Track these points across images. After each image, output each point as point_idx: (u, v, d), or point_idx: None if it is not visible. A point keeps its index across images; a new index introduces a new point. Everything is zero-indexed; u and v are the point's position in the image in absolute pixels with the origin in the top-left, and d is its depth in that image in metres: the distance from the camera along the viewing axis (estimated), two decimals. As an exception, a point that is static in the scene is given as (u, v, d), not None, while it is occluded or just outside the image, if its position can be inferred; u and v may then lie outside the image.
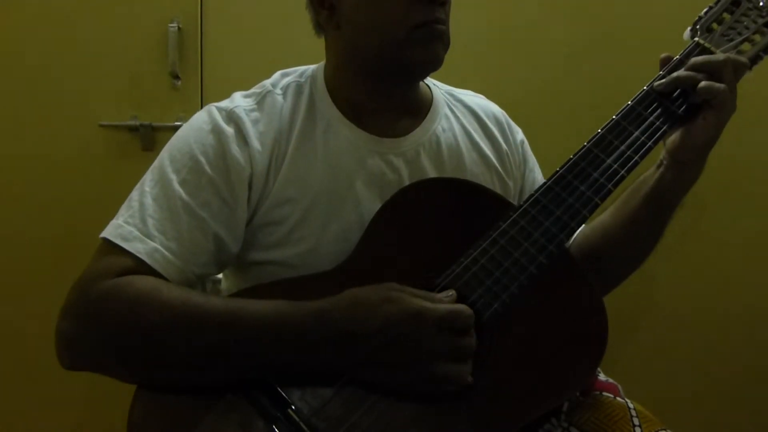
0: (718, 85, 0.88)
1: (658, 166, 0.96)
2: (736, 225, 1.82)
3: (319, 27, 1.02)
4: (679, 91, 0.91)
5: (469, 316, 0.79)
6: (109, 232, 0.88)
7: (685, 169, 0.94)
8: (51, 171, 1.76)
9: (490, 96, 1.17)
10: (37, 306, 1.72)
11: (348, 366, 0.79)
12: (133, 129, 1.77)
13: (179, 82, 1.77)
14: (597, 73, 1.78)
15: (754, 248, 1.83)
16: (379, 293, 0.79)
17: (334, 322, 0.78)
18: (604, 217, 1.05)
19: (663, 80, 0.92)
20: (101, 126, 1.77)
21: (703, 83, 0.88)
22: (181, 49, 1.76)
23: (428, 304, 0.78)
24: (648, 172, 0.98)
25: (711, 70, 0.89)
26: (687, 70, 0.91)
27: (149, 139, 1.77)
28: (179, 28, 1.75)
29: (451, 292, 0.82)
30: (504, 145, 1.10)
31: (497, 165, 1.07)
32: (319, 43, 1.04)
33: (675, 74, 0.91)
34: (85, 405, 1.81)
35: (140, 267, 0.85)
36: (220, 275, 1.11)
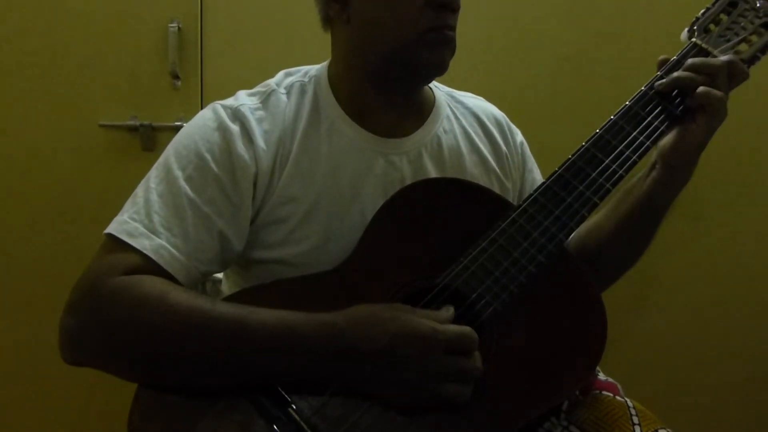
0: (715, 92, 0.88)
1: (651, 168, 0.97)
2: (735, 224, 1.82)
3: (328, 21, 1.02)
4: (677, 92, 0.92)
5: (474, 339, 0.79)
6: (114, 228, 0.87)
7: (675, 173, 0.95)
8: (51, 171, 1.76)
9: (489, 96, 1.18)
10: (36, 306, 1.73)
11: (353, 382, 0.79)
12: (133, 129, 1.77)
13: (179, 82, 1.77)
14: (596, 74, 1.78)
15: (753, 247, 1.83)
16: (389, 312, 0.79)
17: (343, 338, 0.78)
18: (598, 217, 1.05)
19: (663, 80, 0.92)
20: (101, 126, 1.76)
21: (702, 88, 0.89)
22: (181, 49, 1.75)
23: (438, 326, 0.78)
24: (641, 173, 0.98)
25: (708, 72, 0.90)
26: (685, 70, 0.91)
27: (149, 139, 1.77)
28: (179, 28, 1.75)
29: (450, 309, 0.83)
30: (504, 147, 1.10)
31: (496, 167, 1.08)
32: (320, 44, 1.05)
33: (674, 74, 0.92)
34: (86, 404, 1.81)
35: (146, 263, 0.85)
36: (221, 276, 1.11)
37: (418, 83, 1.04)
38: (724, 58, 0.91)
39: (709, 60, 0.91)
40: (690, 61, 0.92)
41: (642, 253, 1.05)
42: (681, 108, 0.91)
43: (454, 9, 0.94)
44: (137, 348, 0.81)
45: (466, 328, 0.80)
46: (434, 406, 0.78)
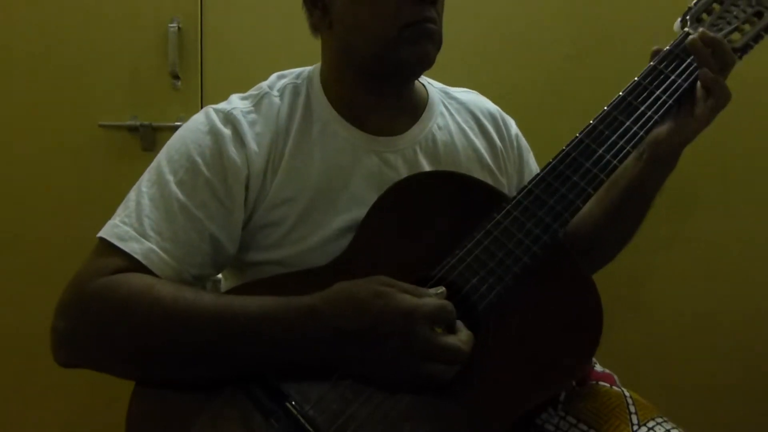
0: (727, 92, 0.90)
1: (638, 158, 0.97)
2: (729, 218, 1.81)
3: (314, 27, 1.02)
4: (669, 81, 0.92)
5: (451, 311, 0.79)
6: (105, 232, 0.88)
7: (664, 162, 0.96)
8: (51, 171, 1.77)
9: (488, 95, 1.18)
10: (36, 306, 1.73)
11: (338, 362, 0.79)
12: (133, 129, 1.77)
13: (179, 82, 1.78)
14: (594, 72, 1.78)
15: (746, 241, 1.82)
16: (368, 289, 0.79)
17: (323, 319, 0.78)
18: (588, 206, 1.05)
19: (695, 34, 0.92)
20: (101, 126, 1.77)
21: (712, 76, 0.90)
22: (181, 49, 1.76)
23: (418, 301, 0.78)
24: (628, 161, 0.98)
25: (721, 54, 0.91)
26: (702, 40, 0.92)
27: (149, 139, 1.77)
28: (179, 28, 1.75)
29: (441, 289, 0.82)
30: (498, 142, 1.10)
31: (491, 163, 1.08)
32: (318, 44, 1.05)
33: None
34: (84, 402, 1.82)
35: (135, 267, 0.85)
36: (220, 275, 1.12)
37: (406, 80, 1.03)
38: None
39: (724, 45, 0.92)
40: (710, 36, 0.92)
41: (634, 235, 1.06)
42: (674, 97, 0.92)
43: (433, 1, 0.93)
44: (126, 342, 0.81)
45: (445, 301, 0.79)
46: (418, 385, 0.78)
